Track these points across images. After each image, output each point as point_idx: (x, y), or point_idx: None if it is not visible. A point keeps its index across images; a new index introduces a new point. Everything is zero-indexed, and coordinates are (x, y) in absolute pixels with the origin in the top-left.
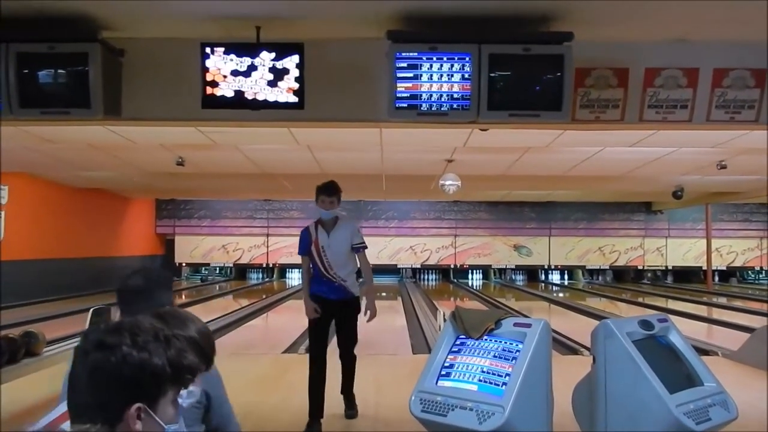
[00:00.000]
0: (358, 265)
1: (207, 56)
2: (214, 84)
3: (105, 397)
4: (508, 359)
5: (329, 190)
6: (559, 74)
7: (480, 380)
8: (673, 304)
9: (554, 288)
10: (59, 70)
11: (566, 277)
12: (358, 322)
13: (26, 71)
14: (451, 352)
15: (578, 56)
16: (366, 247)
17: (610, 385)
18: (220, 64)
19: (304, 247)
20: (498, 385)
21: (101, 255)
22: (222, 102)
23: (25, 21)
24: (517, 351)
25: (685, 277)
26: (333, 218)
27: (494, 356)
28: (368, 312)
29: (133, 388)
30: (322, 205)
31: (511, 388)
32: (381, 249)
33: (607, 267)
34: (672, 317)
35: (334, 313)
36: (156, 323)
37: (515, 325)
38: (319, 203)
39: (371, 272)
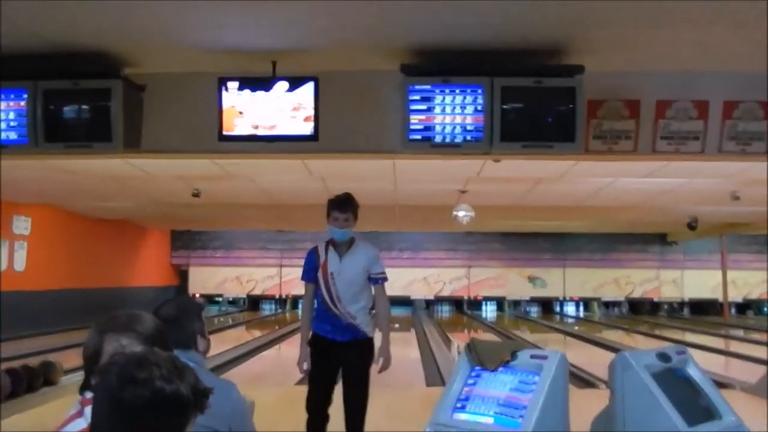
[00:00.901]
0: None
1: (223, 90)
2: (230, 117)
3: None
4: (525, 391)
5: (343, 205)
6: (571, 106)
7: (496, 413)
8: (690, 337)
9: (569, 320)
10: (83, 106)
11: (581, 309)
12: (370, 372)
13: (52, 107)
14: (466, 384)
15: (590, 88)
16: (386, 279)
17: (629, 419)
18: (236, 97)
19: (310, 272)
20: (515, 417)
21: (117, 285)
22: (238, 135)
23: (52, 59)
24: (534, 383)
25: (702, 309)
26: (348, 240)
27: (511, 388)
28: (381, 359)
29: (166, 420)
30: (335, 224)
31: (529, 421)
32: (394, 280)
33: (623, 299)
34: (689, 350)
35: (340, 359)
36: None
37: (532, 356)
38: (330, 221)
39: (389, 311)
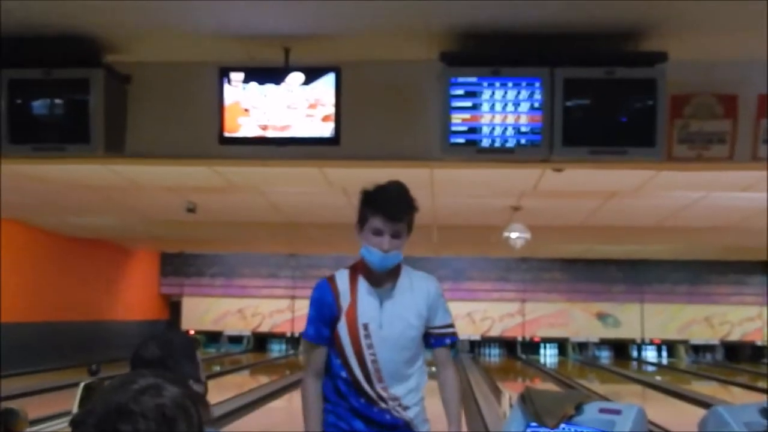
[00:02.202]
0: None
1: (226, 83)
2: (234, 116)
3: None
4: None
5: (395, 206)
6: (650, 102)
7: None
8: None
9: (649, 368)
10: (56, 100)
11: (664, 354)
12: None
13: (19, 101)
14: None
15: (674, 80)
16: (458, 338)
17: None
18: (241, 92)
19: (322, 325)
20: None
21: (94, 318)
22: (243, 137)
23: (19, 42)
24: None
25: None
26: (393, 269)
27: None
28: None
29: None
30: (377, 240)
31: None
32: None
33: (717, 342)
34: None
35: None
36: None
37: (601, 411)
38: (366, 233)
39: (460, 395)
